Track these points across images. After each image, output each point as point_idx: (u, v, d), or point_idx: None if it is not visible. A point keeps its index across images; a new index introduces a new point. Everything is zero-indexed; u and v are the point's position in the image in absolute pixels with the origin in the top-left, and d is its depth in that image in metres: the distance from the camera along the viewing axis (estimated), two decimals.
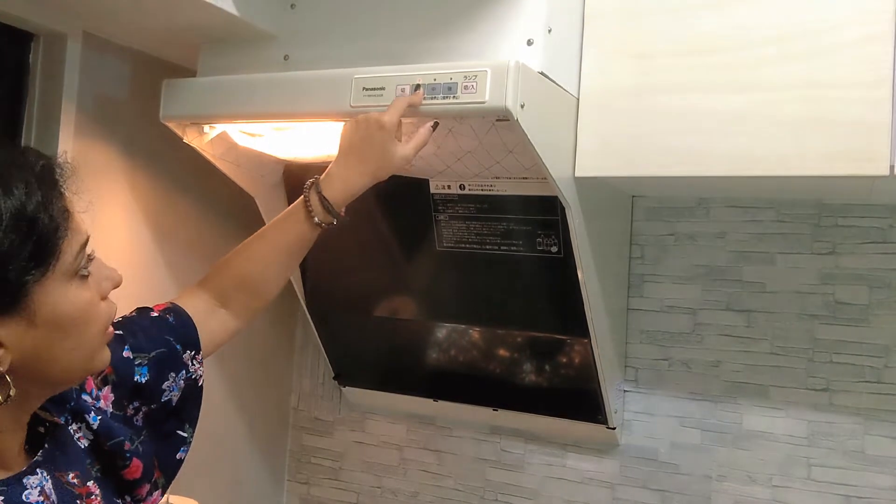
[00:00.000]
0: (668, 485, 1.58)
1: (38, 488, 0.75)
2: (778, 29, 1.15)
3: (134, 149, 1.55)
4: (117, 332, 0.95)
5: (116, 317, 0.98)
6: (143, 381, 0.95)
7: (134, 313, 1.03)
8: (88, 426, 0.87)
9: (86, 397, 0.89)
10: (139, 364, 0.95)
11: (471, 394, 1.70)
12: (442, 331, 1.68)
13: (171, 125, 1.41)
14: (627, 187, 1.54)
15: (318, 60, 1.32)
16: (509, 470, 1.74)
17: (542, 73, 1.16)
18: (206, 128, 1.41)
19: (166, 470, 0.98)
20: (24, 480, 0.75)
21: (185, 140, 1.42)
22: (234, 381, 1.82)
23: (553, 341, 1.56)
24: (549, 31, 1.18)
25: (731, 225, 1.54)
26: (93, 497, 0.82)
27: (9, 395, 0.71)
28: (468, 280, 1.58)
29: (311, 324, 1.80)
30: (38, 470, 0.77)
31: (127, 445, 0.90)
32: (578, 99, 1.27)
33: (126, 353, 0.95)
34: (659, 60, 1.22)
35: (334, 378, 1.87)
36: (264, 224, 1.59)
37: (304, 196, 1.11)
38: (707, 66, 1.19)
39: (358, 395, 1.88)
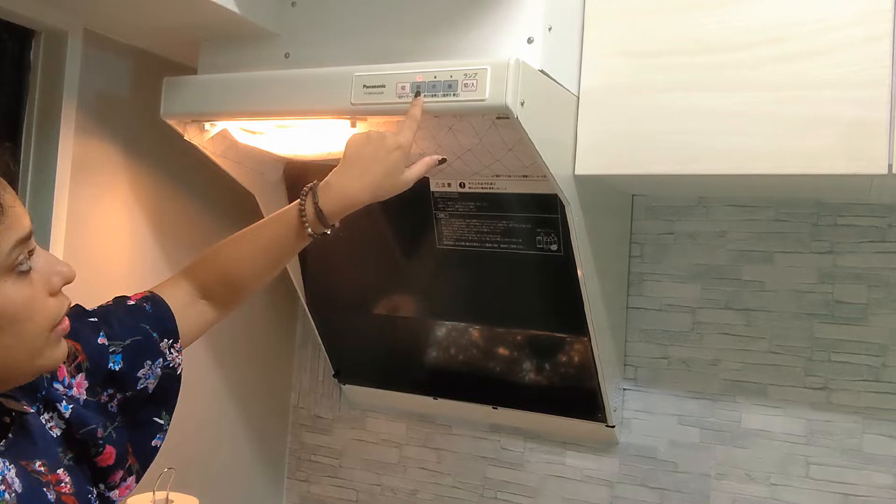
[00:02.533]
0: (666, 483, 1.58)
1: (0, 476, 0.75)
2: (777, 29, 1.15)
3: (135, 146, 1.55)
4: (92, 319, 0.96)
5: (93, 307, 0.99)
6: (117, 369, 0.95)
7: (110, 303, 1.02)
8: (60, 415, 0.87)
9: (57, 386, 0.88)
10: (113, 352, 0.95)
11: (470, 392, 1.70)
12: (442, 329, 1.68)
13: (172, 123, 1.41)
14: (627, 186, 1.54)
15: (319, 58, 1.32)
16: (509, 468, 1.74)
17: (542, 71, 1.17)
18: (207, 125, 1.41)
19: (141, 456, 0.98)
20: None
21: (186, 138, 1.43)
22: (233, 378, 1.83)
23: (553, 339, 1.56)
24: (550, 29, 1.18)
25: (731, 224, 1.54)
26: (62, 484, 0.82)
27: None
28: (468, 278, 1.58)
29: (311, 321, 1.81)
30: None
31: (99, 433, 0.89)
32: (578, 97, 1.27)
33: (101, 341, 0.94)
34: (659, 59, 1.22)
35: (334, 376, 1.87)
36: None
37: (300, 202, 1.08)
38: (707, 65, 1.19)
39: (358, 393, 1.88)
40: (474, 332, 1.65)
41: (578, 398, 1.57)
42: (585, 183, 1.28)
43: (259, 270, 1.12)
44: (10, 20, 1.35)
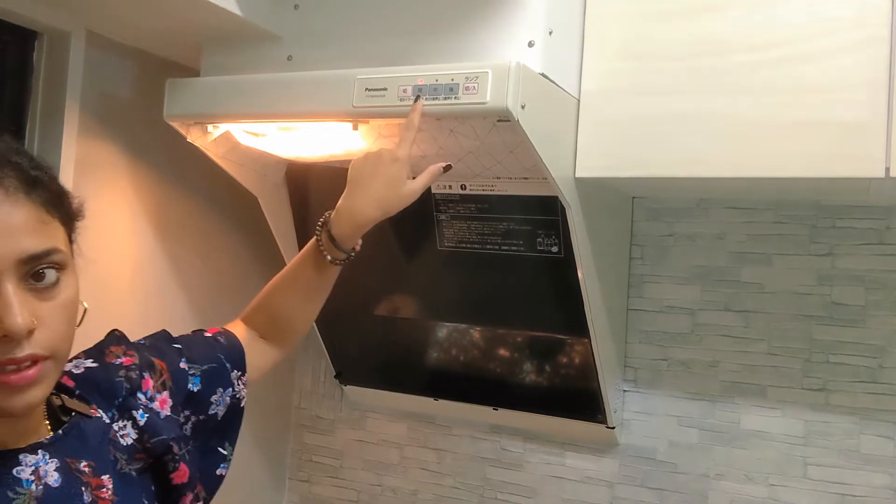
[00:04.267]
0: (666, 484, 1.59)
1: (32, 468, 0.77)
2: (776, 32, 1.16)
3: (137, 148, 1.56)
4: (176, 345, 1.02)
5: (141, 336, 1.03)
6: (196, 390, 1.01)
7: (190, 333, 1.09)
8: (135, 423, 0.90)
9: (140, 395, 0.92)
10: (192, 374, 1.01)
11: (471, 393, 1.71)
12: (442, 330, 1.69)
13: (175, 124, 1.42)
14: (627, 188, 1.55)
15: (322, 61, 1.33)
16: (509, 468, 1.75)
17: (542, 75, 1.17)
18: (210, 127, 1.42)
19: (208, 484, 1.02)
20: (20, 457, 0.77)
21: (189, 139, 1.43)
22: None
23: (553, 341, 1.57)
24: (550, 32, 1.19)
25: (730, 226, 1.55)
26: (103, 490, 0.83)
27: None
28: (469, 280, 1.59)
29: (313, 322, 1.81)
30: (38, 451, 0.79)
31: (175, 449, 0.92)
32: (579, 100, 1.28)
33: (183, 365, 1.00)
34: (658, 63, 1.23)
35: (335, 377, 1.88)
36: (266, 223, 1.62)
37: (317, 236, 1.13)
38: (706, 68, 1.20)
39: (359, 394, 1.89)
40: (475, 333, 1.66)
41: (578, 399, 1.58)
42: (586, 185, 1.29)
43: (303, 308, 1.20)
44: (13, 21, 1.35)
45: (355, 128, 1.26)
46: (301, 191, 1.67)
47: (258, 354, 1.15)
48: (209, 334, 1.10)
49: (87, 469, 0.82)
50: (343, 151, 1.38)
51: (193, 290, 1.71)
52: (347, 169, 1.15)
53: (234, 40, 1.41)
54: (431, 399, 1.76)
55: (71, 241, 0.80)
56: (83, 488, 0.80)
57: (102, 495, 0.83)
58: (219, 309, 1.78)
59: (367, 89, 1.20)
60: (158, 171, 1.60)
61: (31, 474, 0.77)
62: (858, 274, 1.45)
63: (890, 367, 1.42)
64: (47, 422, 0.83)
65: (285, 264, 1.67)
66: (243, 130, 1.41)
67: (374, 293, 1.73)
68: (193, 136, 1.43)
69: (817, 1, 1.14)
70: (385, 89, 1.18)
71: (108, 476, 0.84)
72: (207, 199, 1.73)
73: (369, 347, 1.82)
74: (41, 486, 0.77)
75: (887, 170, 1.08)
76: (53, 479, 0.78)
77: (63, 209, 0.78)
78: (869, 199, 1.40)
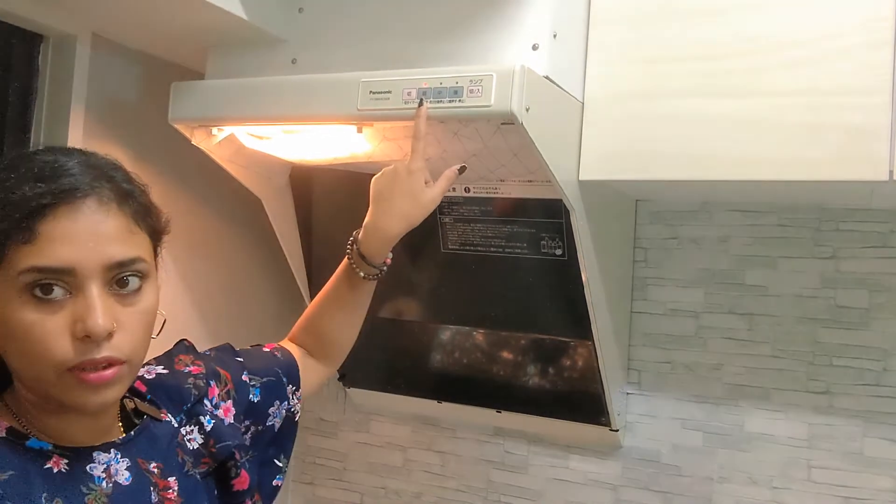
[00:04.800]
0: (669, 486, 1.59)
1: (104, 466, 0.81)
2: (780, 36, 1.16)
3: (142, 150, 1.56)
4: (239, 358, 1.06)
5: (207, 347, 1.07)
6: (256, 401, 1.05)
7: (250, 348, 1.15)
8: (202, 428, 0.94)
9: (206, 402, 0.97)
10: (253, 385, 1.05)
11: (475, 395, 1.71)
12: (446, 333, 1.69)
13: (180, 127, 1.42)
14: (631, 191, 1.55)
15: (326, 64, 1.33)
16: (512, 471, 1.75)
17: (547, 78, 1.18)
18: (215, 130, 1.42)
19: (265, 494, 1.05)
20: (94, 455, 0.81)
21: (194, 142, 1.44)
22: None
23: (557, 343, 1.57)
24: (555, 35, 1.19)
25: (734, 229, 1.55)
26: (169, 491, 0.86)
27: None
28: (472, 282, 1.59)
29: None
30: (111, 450, 0.83)
31: (237, 455, 0.96)
32: (583, 103, 1.28)
33: (245, 378, 1.05)
34: (663, 66, 1.23)
35: (339, 379, 1.88)
36: (271, 225, 1.62)
37: (348, 255, 1.17)
38: (710, 71, 1.20)
39: (362, 397, 1.89)
40: (478, 335, 1.66)
41: (582, 402, 1.58)
42: (590, 188, 1.29)
43: (344, 325, 1.22)
44: (19, 25, 1.36)
45: (360, 130, 1.26)
46: (305, 193, 1.67)
47: (309, 371, 1.18)
48: (267, 349, 1.15)
49: (155, 470, 0.86)
50: (347, 154, 1.38)
51: (198, 292, 1.72)
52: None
53: (239, 43, 1.41)
54: (435, 402, 1.76)
55: (156, 254, 0.87)
56: (151, 488, 0.84)
57: (169, 496, 0.86)
58: (223, 310, 1.78)
59: (371, 92, 1.20)
60: (163, 173, 1.61)
61: (102, 472, 0.80)
62: (862, 277, 1.45)
63: (894, 369, 1.42)
64: (120, 423, 0.87)
65: (289, 266, 1.71)
66: (248, 133, 1.42)
67: (377, 295, 1.71)
68: (198, 139, 1.44)
69: (823, 4, 1.14)
70: (389, 92, 1.19)
71: (174, 478, 0.88)
72: (212, 201, 1.73)
73: (373, 350, 1.81)
74: (111, 484, 0.80)
75: (891, 173, 1.08)
76: (124, 477, 0.82)
77: (150, 222, 0.86)
78: (872, 203, 1.40)
